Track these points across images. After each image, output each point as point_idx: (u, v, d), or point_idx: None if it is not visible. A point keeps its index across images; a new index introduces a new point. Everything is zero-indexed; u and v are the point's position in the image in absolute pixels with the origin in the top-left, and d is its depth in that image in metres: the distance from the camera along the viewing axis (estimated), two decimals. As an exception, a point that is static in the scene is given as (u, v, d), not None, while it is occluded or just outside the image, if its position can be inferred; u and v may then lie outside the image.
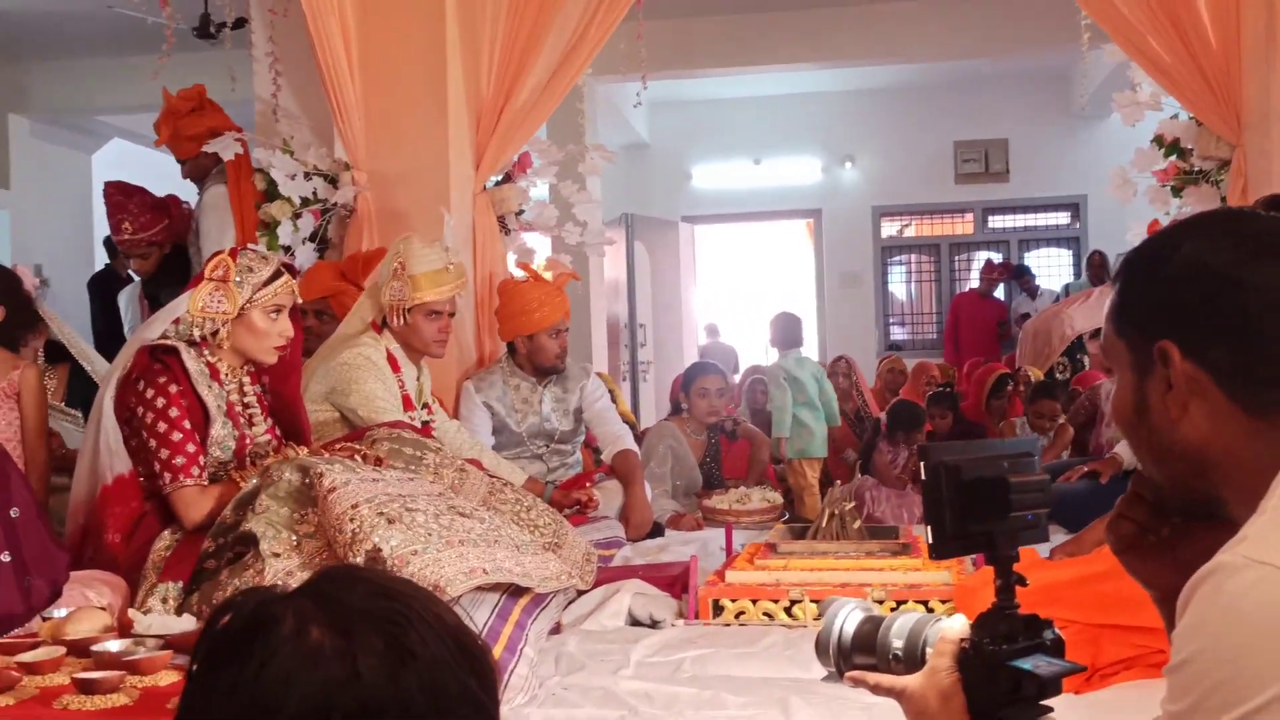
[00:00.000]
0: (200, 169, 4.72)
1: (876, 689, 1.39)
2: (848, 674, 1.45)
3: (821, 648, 1.49)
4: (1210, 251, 1.11)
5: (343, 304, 4.19)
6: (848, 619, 1.48)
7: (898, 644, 1.42)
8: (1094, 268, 9.15)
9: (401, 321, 3.78)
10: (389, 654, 0.87)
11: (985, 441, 1.49)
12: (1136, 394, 1.16)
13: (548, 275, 4.61)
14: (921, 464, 1.33)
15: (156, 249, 4.71)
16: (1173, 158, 4.39)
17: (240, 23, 5.11)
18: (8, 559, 2.30)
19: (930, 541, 1.32)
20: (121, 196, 4.68)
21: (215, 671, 0.89)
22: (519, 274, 4.67)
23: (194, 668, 0.93)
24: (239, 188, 4.54)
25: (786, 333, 5.85)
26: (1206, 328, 1.10)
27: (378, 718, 0.86)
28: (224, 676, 0.88)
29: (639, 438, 4.97)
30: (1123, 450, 4.32)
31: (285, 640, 0.88)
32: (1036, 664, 1.28)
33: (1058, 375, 4.49)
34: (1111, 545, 1.28)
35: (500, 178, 4.88)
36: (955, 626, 1.35)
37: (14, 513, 2.35)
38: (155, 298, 4.64)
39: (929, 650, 1.36)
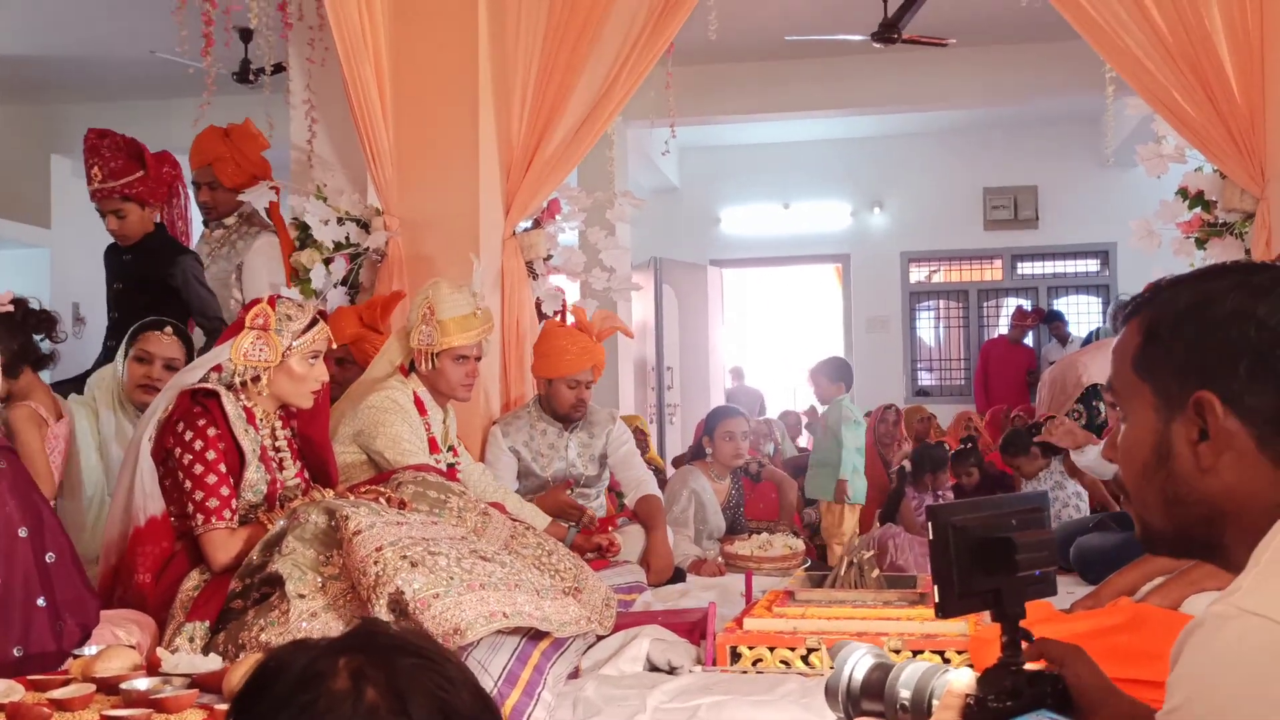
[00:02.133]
0: (227, 203, 4.72)
1: (882, 738, 1.41)
2: (855, 720, 1.47)
3: (831, 693, 1.51)
4: (1257, 303, 1.10)
5: (362, 350, 4.24)
6: (858, 665, 1.50)
7: (905, 694, 1.43)
8: (1115, 319, 8.98)
9: (429, 365, 3.84)
10: (439, 717, 0.91)
11: (994, 498, 1.51)
12: (1159, 437, 1.15)
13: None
14: (930, 524, 1.36)
15: (135, 207, 4.35)
16: (1197, 210, 4.39)
17: (279, 68, 5.20)
18: (43, 603, 2.36)
19: (938, 600, 1.35)
20: (95, 139, 4.33)
21: None
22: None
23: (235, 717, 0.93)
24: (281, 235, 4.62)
25: (843, 374, 5.72)
26: (1249, 379, 1.09)
27: None
28: None
29: (664, 483, 4.97)
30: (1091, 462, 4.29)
31: (341, 699, 0.89)
32: (1040, 721, 1.30)
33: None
34: None
35: (529, 223, 4.95)
36: (962, 679, 1.36)
37: (50, 558, 2.41)
38: (143, 280, 4.32)
39: (935, 702, 1.38)
